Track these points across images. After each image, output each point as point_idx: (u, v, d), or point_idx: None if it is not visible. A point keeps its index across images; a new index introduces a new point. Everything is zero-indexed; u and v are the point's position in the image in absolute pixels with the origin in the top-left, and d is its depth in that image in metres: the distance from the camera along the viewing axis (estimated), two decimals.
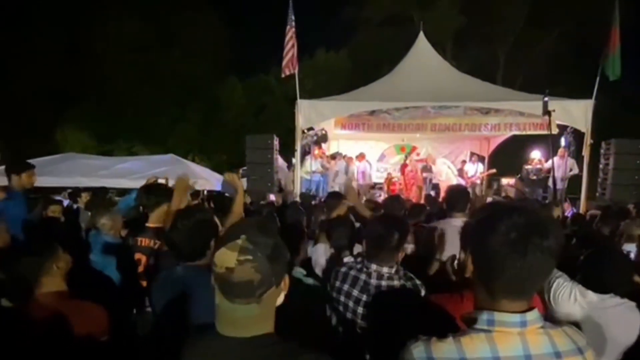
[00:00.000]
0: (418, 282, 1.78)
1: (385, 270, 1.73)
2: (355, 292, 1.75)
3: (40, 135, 20.02)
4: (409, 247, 2.57)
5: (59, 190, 8.22)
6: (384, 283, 1.72)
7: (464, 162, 11.18)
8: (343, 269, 1.86)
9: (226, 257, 0.89)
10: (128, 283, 2.54)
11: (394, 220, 1.82)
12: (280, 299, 0.99)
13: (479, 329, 0.87)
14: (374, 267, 1.74)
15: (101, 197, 5.31)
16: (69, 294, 1.77)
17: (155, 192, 2.68)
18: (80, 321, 1.61)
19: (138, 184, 7.30)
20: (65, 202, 6.05)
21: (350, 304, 1.76)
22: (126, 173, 9.11)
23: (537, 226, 0.85)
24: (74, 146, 19.46)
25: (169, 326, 1.56)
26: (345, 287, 1.79)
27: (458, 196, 2.81)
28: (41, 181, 8.63)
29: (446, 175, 11.38)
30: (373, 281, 1.73)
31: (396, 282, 1.73)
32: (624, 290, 1.77)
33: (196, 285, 1.50)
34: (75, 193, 6.23)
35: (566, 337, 0.88)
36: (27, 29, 20.27)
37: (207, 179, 8.82)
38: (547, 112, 4.33)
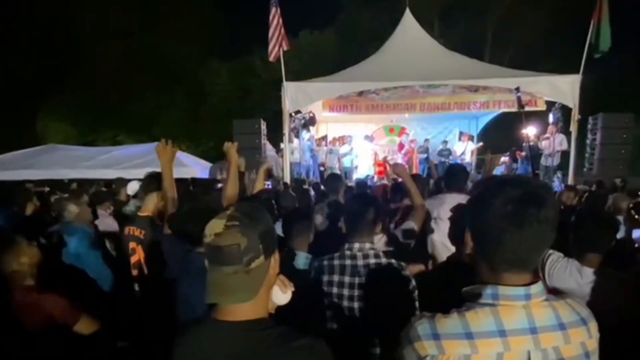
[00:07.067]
0: (393, 259, 1.83)
1: (367, 246, 1.78)
2: (347, 279, 1.75)
3: (19, 125, 19.38)
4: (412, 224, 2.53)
5: (41, 183, 8.01)
6: (372, 261, 1.76)
7: (445, 142, 11.24)
8: (325, 262, 1.83)
9: (215, 225, 0.93)
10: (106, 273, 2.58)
11: (367, 197, 2.00)
12: (286, 298, 1.02)
13: (483, 303, 0.87)
14: (356, 245, 1.78)
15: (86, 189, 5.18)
16: (36, 288, 1.73)
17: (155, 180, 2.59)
18: (45, 314, 1.63)
19: (124, 174, 7.17)
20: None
21: (346, 292, 1.75)
22: (112, 163, 8.88)
23: (532, 197, 0.84)
24: (55, 136, 18.93)
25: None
26: (336, 277, 1.77)
27: (455, 174, 2.84)
28: (22, 174, 8.42)
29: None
30: (360, 262, 1.76)
31: (383, 260, 1.77)
32: (607, 246, 1.84)
33: None
34: (55, 185, 6.07)
35: (570, 309, 0.88)
36: (3, 14, 19.31)
37: (192, 167, 8.65)
38: (521, 106, 4.38)
